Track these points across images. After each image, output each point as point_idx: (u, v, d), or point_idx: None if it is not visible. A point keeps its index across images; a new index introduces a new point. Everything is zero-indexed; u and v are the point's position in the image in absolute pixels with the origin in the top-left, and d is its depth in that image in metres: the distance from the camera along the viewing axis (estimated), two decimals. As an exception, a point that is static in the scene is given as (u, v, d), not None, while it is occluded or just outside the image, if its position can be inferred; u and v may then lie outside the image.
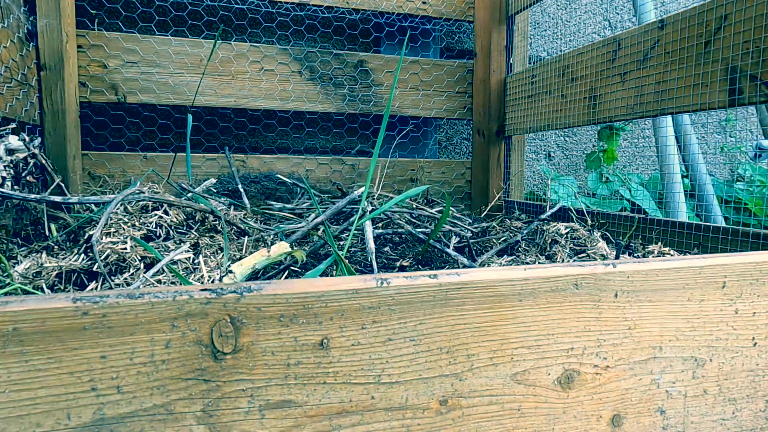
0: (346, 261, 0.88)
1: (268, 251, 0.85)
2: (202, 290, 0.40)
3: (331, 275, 0.93)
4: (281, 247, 0.88)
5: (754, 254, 0.58)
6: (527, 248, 1.16)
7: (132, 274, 0.83)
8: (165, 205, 1.03)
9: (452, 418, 0.48)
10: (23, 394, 0.37)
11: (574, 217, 1.41)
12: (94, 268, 0.82)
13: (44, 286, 0.79)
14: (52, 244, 0.97)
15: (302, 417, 0.43)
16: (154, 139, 1.74)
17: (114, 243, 0.87)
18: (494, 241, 1.24)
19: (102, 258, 0.84)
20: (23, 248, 0.96)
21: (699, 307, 0.56)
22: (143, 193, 1.00)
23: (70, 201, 0.94)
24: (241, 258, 0.92)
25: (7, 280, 0.78)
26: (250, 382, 0.42)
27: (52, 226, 1.02)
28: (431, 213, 1.40)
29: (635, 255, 1.15)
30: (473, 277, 0.47)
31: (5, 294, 0.73)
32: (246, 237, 1.03)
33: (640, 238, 1.24)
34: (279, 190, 1.67)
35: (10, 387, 0.36)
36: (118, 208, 0.98)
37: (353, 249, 1.07)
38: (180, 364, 0.40)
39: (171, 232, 0.99)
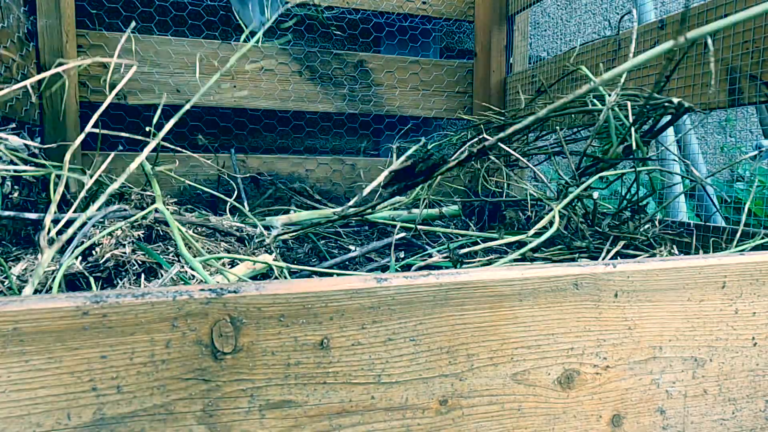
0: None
1: (254, 264, 0.86)
2: (202, 290, 0.40)
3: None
4: (264, 259, 0.88)
5: (754, 254, 0.58)
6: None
7: (135, 279, 0.83)
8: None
9: (452, 418, 0.48)
10: (23, 394, 0.37)
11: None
12: (93, 273, 0.82)
13: (42, 290, 0.79)
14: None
15: (302, 417, 0.43)
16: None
17: (114, 246, 0.87)
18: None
19: (102, 261, 0.84)
20: (22, 249, 0.96)
21: (699, 307, 0.56)
22: (126, 210, 0.97)
23: (46, 219, 0.90)
24: (233, 265, 0.91)
25: (6, 282, 0.78)
26: (250, 382, 0.42)
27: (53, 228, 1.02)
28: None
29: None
30: (473, 277, 0.47)
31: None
32: (246, 242, 1.03)
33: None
34: (279, 191, 1.67)
35: (10, 387, 0.36)
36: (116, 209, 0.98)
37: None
38: (180, 364, 0.40)
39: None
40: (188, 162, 1.58)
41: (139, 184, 1.41)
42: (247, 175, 1.64)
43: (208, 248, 0.95)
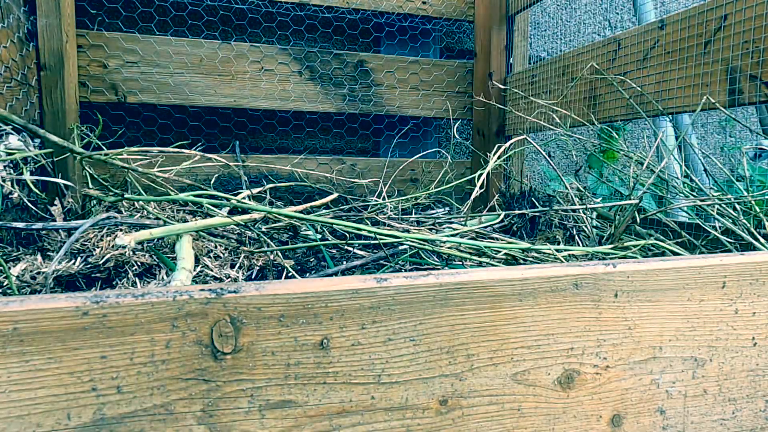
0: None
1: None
2: (201, 290, 0.40)
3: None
4: None
5: (754, 254, 0.58)
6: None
7: (146, 280, 0.83)
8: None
9: (452, 418, 0.48)
10: (23, 394, 0.37)
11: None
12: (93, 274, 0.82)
13: (42, 291, 0.79)
14: (51, 247, 0.97)
15: (302, 417, 0.43)
16: (155, 139, 1.74)
17: (115, 248, 0.87)
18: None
19: (101, 262, 0.84)
20: (22, 250, 0.96)
21: (699, 307, 0.56)
22: (117, 218, 0.95)
23: (33, 227, 0.90)
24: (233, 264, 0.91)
25: (6, 282, 0.78)
26: (250, 382, 0.42)
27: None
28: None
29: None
30: (473, 277, 0.47)
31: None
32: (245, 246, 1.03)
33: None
34: (279, 191, 1.67)
35: (10, 387, 0.36)
36: (116, 210, 0.98)
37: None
38: (180, 364, 0.40)
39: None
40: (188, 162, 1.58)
41: (137, 183, 1.42)
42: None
43: (207, 247, 0.95)
